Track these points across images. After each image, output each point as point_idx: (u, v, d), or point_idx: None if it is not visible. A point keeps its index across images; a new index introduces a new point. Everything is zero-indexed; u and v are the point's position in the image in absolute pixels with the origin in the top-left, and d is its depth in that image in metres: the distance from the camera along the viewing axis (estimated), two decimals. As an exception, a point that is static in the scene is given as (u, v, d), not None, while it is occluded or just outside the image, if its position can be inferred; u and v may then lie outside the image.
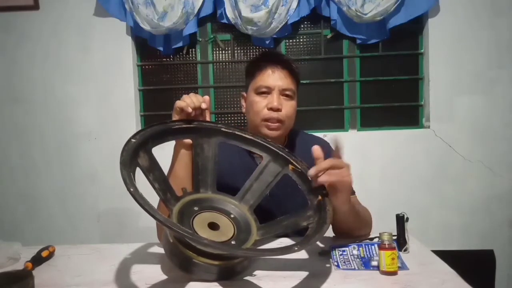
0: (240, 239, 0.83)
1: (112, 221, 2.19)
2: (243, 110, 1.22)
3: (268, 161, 0.99)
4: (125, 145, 0.82)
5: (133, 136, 0.85)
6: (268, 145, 1.01)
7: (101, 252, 1.02)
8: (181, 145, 1.01)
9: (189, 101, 0.97)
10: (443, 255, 0.91)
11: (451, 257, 0.89)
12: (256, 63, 1.17)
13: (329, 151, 1.25)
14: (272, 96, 1.11)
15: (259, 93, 1.13)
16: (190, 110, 0.96)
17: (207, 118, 1.01)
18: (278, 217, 0.92)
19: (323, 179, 0.84)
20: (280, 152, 0.99)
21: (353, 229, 1.05)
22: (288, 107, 1.12)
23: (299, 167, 0.95)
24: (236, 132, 1.01)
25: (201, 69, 2.25)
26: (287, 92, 1.13)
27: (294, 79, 1.15)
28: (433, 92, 2.10)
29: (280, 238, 1.07)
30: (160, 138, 0.92)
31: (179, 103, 0.97)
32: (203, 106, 0.99)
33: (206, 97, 1.01)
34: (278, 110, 1.10)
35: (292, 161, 0.96)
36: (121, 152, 0.79)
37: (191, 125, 0.97)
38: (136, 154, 0.83)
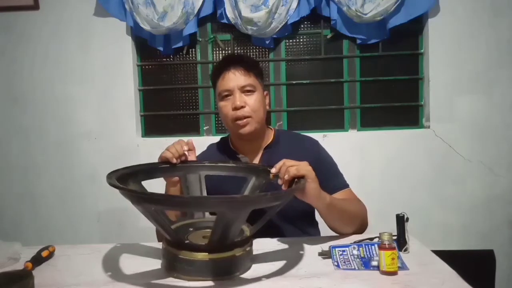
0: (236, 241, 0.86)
1: (112, 221, 2.19)
2: None
3: (253, 179, 1.08)
4: (113, 171, 0.91)
5: (123, 168, 0.95)
6: (248, 166, 1.13)
7: (101, 252, 1.02)
8: (170, 182, 1.13)
9: (173, 151, 1.07)
10: (443, 255, 0.91)
11: (451, 257, 0.89)
12: (214, 73, 1.23)
13: (318, 150, 1.26)
14: (234, 97, 1.16)
15: (222, 98, 1.19)
16: (175, 161, 1.07)
17: (193, 157, 1.14)
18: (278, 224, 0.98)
19: (287, 174, 0.92)
20: (260, 168, 1.10)
21: (340, 226, 1.07)
22: (252, 101, 1.17)
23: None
24: (219, 164, 1.14)
25: (201, 69, 2.25)
26: (247, 88, 1.17)
27: (251, 72, 1.19)
28: (433, 92, 2.10)
29: (278, 238, 1.07)
30: (149, 174, 1.04)
31: (165, 154, 1.07)
32: (185, 148, 1.08)
33: (190, 141, 1.11)
34: (242, 107, 1.15)
35: (270, 170, 1.03)
36: (108, 173, 0.88)
37: (176, 165, 1.08)
38: (125, 180, 0.91)
